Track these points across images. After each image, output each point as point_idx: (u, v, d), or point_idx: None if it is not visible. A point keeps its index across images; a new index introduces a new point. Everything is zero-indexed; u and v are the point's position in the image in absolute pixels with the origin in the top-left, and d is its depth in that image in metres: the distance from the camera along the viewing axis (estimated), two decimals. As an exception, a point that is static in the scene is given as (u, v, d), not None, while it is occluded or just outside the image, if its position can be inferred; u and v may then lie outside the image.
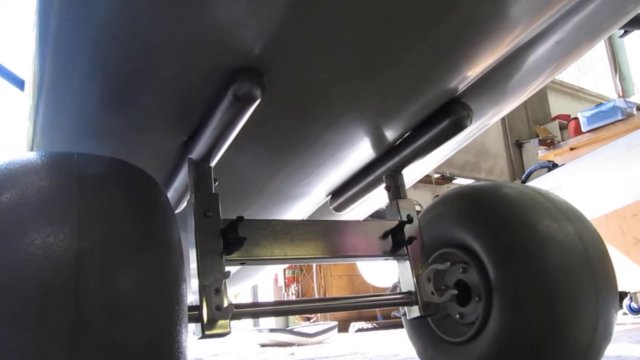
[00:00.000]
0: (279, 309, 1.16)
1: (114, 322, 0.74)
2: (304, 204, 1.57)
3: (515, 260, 1.19)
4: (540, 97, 8.73)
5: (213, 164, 1.15)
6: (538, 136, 5.39)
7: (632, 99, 6.50)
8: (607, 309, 1.18)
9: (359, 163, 1.41)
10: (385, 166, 1.37)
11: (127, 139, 1.18)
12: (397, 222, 1.30)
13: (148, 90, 1.04)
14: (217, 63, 0.95)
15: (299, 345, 3.62)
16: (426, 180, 6.52)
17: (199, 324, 1.02)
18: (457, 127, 1.18)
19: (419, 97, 1.14)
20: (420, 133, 1.25)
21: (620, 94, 9.13)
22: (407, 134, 1.29)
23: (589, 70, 9.86)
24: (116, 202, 0.84)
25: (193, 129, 1.13)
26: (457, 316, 1.31)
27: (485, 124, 1.39)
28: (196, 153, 1.13)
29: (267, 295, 5.70)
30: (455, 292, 1.24)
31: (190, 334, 1.11)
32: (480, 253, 1.25)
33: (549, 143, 4.33)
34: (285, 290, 5.72)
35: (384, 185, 1.41)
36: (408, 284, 1.28)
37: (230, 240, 1.08)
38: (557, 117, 7.85)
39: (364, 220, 1.37)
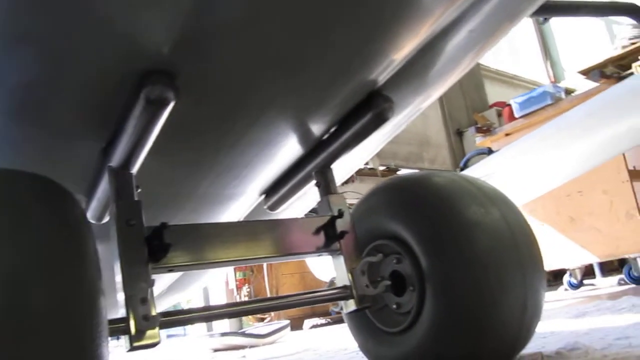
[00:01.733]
0: (208, 314, 1.14)
1: (23, 341, 0.70)
2: (237, 206, 1.55)
3: (444, 248, 1.21)
4: (477, 86, 8.96)
5: (134, 170, 1.11)
6: (477, 124, 5.53)
7: (562, 83, 6.76)
8: (534, 290, 1.22)
9: (288, 160, 1.40)
10: (314, 162, 1.37)
11: (41, 150, 1.13)
12: (329, 217, 1.30)
13: (58, 98, 1.00)
14: (125, 67, 0.92)
15: (251, 347, 3.59)
16: (371, 173, 6.59)
17: (127, 336, 0.99)
18: (379, 120, 1.19)
19: (338, 92, 1.14)
20: (345, 127, 1.26)
21: (552, 79, 9.50)
22: (332, 129, 1.29)
23: (522, 58, 10.20)
24: (21, 215, 0.80)
25: (110, 136, 1.09)
26: (394, 306, 1.32)
27: (411, 115, 1.41)
28: (115, 160, 1.09)
29: (219, 298, 5.63)
30: (389, 282, 1.25)
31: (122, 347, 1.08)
32: (412, 243, 1.27)
33: (485, 130, 4.44)
34: (238, 293, 5.66)
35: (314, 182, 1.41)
36: (343, 278, 1.29)
37: (156, 248, 1.05)
38: (494, 104, 8.06)
39: (295, 218, 1.36)
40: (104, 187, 1.17)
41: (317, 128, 1.27)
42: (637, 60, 5.76)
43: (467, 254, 1.19)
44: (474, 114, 7.75)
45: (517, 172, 3.15)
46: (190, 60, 0.94)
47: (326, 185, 1.36)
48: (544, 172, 3.11)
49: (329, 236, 1.28)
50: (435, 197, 1.29)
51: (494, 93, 9.02)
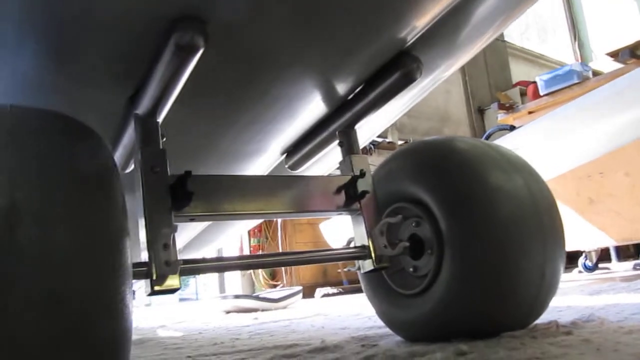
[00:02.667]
0: (224, 264, 1.16)
1: (53, 274, 0.72)
2: (259, 162, 1.56)
3: (465, 211, 1.21)
4: (502, 64, 8.82)
5: (160, 119, 1.12)
6: (499, 102, 5.46)
7: (590, 65, 6.61)
8: (554, 259, 1.21)
9: (312, 119, 1.40)
10: (338, 122, 1.36)
11: (70, 95, 1.13)
12: (350, 176, 1.30)
13: (87, 43, 1.00)
14: (156, 12, 0.92)
15: (263, 310, 3.65)
16: (390, 147, 6.56)
17: (148, 280, 1.01)
18: (407, 80, 1.18)
19: (366, 50, 1.13)
20: (372, 87, 1.25)
21: (579, 60, 9.30)
22: (358, 89, 1.29)
23: (549, 37, 9.99)
24: (53, 154, 0.81)
25: (138, 84, 1.09)
26: (411, 269, 1.32)
27: (437, 78, 1.39)
28: (142, 108, 1.10)
29: (232, 263, 5.71)
30: (407, 244, 1.25)
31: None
32: (432, 206, 1.26)
33: (508, 107, 4.39)
34: (251, 259, 5.74)
35: (337, 141, 1.41)
36: (361, 238, 1.29)
37: (179, 195, 1.07)
38: (518, 83, 7.94)
39: (316, 175, 1.36)
40: (129, 135, 1.18)
41: (343, 86, 1.26)
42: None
43: (488, 219, 1.18)
44: (497, 93, 7.64)
45: (541, 148, 3.11)
46: (221, 8, 0.93)
47: (349, 146, 1.36)
48: (567, 150, 3.07)
49: (350, 195, 1.28)
50: (458, 161, 1.28)
51: (518, 72, 8.87)
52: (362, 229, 1.29)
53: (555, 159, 3.10)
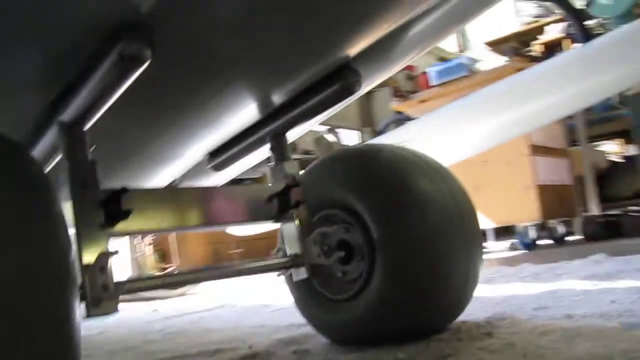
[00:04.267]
0: (170, 280, 1.11)
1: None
2: (179, 163, 1.49)
3: (396, 219, 1.25)
4: (390, 48, 9.11)
5: (87, 127, 1.03)
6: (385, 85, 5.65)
7: (468, 53, 7.02)
8: (476, 262, 1.30)
9: (243, 123, 1.36)
10: (270, 127, 1.34)
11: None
12: (284, 185, 1.29)
13: (8, 43, 0.89)
14: (100, 17, 0.83)
15: (161, 299, 3.54)
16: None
17: (84, 303, 0.94)
18: (346, 93, 1.19)
19: (310, 63, 1.12)
20: (308, 96, 1.24)
21: (461, 48, 9.86)
22: (293, 96, 1.27)
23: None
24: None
25: (62, 89, 0.99)
26: (340, 274, 1.35)
27: (367, 87, 1.42)
28: (67, 115, 1.00)
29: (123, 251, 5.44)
30: (342, 254, 1.28)
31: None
32: (363, 213, 1.29)
33: (401, 95, 4.57)
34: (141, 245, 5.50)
35: (266, 146, 1.39)
36: (294, 246, 1.29)
37: (113, 213, 0.99)
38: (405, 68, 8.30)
39: (251, 184, 1.33)
40: (48, 142, 1.08)
41: (280, 94, 1.24)
42: (536, 39, 6.17)
43: (418, 226, 1.24)
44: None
45: (436, 139, 3.28)
46: (170, 14, 0.87)
47: (281, 152, 1.34)
48: (460, 142, 3.28)
49: (283, 204, 1.28)
50: (388, 170, 1.32)
51: (405, 57, 9.23)
52: (295, 238, 1.29)
53: (447, 151, 3.30)
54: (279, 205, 1.28)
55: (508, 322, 1.34)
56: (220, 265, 1.27)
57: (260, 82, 1.17)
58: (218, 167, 1.53)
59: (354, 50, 1.13)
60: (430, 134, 3.32)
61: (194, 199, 1.15)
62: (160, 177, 1.54)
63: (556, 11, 6.31)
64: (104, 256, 0.95)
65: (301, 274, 1.28)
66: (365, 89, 1.35)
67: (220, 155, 1.50)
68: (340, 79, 1.17)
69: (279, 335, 1.57)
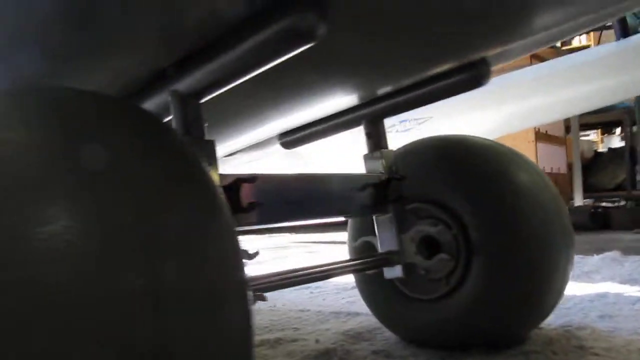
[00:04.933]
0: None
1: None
2: (254, 135, 1.36)
3: (500, 221, 1.17)
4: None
5: (203, 100, 0.90)
6: None
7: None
8: (571, 264, 1.24)
9: (337, 105, 1.24)
10: (367, 110, 1.23)
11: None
12: (385, 177, 1.19)
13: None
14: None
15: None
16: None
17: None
18: (474, 83, 1.08)
19: (445, 59, 1.02)
20: (425, 83, 1.13)
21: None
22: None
23: None
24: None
25: (182, 55, 0.85)
26: (422, 272, 1.27)
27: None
28: (184, 85, 0.87)
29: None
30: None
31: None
32: (462, 212, 1.20)
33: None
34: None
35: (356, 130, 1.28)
36: (389, 243, 1.20)
37: (236, 204, 0.87)
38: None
39: (355, 173, 1.21)
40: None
41: (389, 80, 1.13)
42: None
43: (523, 229, 1.16)
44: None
45: (452, 120, 3.21)
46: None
47: (378, 138, 1.23)
48: (475, 126, 3.22)
49: (381, 197, 1.18)
50: (489, 165, 1.23)
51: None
52: (391, 233, 1.19)
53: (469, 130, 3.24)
54: (376, 198, 1.17)
55: (589, 332, 1.30)
56: (312, 266, 1.17)
57: (378, 71, 1.06)
58: (288, 145, 1.41)
59: (489, 52, 1.02)
60: (448, 113, 3.25)
61: (315, 188, 1.04)
62: (227, 147, 1.41)
63: None
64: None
65: (394, 272, 1.19)
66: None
67: (294, 133, 1.38)
68: (469, 69, 1.06)
69: (343, 327, 1.49)
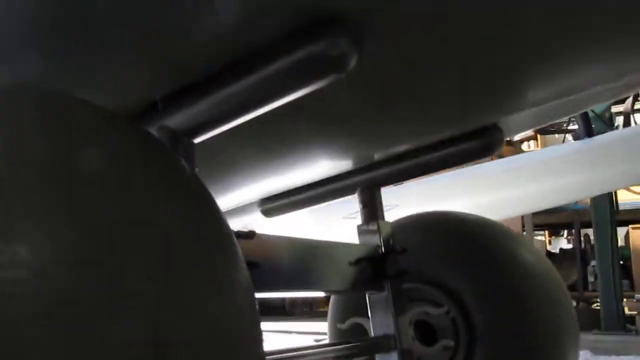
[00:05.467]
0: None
1: None
2: (233, 197, 1.23)
3: (506, 304, 1.07)
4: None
5: (198, 140, 0.77)
6: None
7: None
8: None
9: (328, 170, 1.14)
10: (362, 177, 1.12)
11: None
12: (383, 250, 1.06)
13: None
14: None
15: None
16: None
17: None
18: (486, 151, 1.00)
19: (460, 122, 0.94)
20: (433, 149, 1.04)
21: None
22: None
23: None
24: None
25: (174, 87, 0.74)
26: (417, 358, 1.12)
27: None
28: (175, 121, 0.74)
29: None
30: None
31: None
32: (466, 296, 1.09)
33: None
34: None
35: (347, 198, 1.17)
36: (385, 326, 1.05)
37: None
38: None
39: (349, 243, 1.09)
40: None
41: (390, 142, 1.04)
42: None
43: (530, 313, 1.06)
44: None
45: (418, 209, 3.16)
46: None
47: (374, 208, 1.12)
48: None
49: (378, 272, 1.05)
50: (489, 243, 1.14)
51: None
52: (387, 315, 1.05)
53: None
54: (371, 272, 1.04)
55: None
56: (298, 347, 1.01)
57: (378, 129, 0.97)
58: (270, 212, 1.28)
59: (504, 112, 0.96)
60: (415, 201, 3.20)
61: (309, 254, 0.90)
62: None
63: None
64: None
65: (390, 358, 1.04)
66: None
67: (278, 199, 1.25)
68: (481, 136, 0.99)
69: None
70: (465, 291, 1.08)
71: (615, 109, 3.71)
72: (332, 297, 1.24)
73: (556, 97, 0.91)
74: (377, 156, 1.08)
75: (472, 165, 3.31)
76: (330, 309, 1.24)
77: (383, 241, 1.08)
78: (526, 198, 3.00)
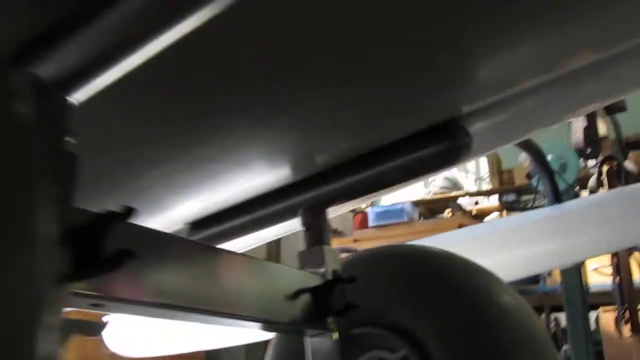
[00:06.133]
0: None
1: None
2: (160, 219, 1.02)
3: (477, 353, 0.86)
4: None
5: (78, 99, 0.59)
6: None
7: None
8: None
9: (263, 187, 0.95)
10: (307, 195, 0.94)
11: None
12: (326, 278, 0.86)
13: None
14: None
15: None
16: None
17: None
18: (450, 157, 0.84)
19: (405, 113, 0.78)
20: (386, 156, 0.87)
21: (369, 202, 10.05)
22: (357, 156, 0.90)
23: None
24: None
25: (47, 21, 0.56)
26: None
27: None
28: (47, 69, 0.56)
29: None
30: None
31: None
32: (425, 338, 0.88)
33: (335, 232, 4.30)
34: None
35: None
36: (327, 373, 0.83)
37: (91, 253, 0.52)
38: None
39: (274, 264, 0.88)
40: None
41: (335, 151, 0.87)
42: (447, 207, 6.32)
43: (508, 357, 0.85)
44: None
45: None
46: None
47: (319, 231, 0.93)
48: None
49: (322, 307, 0.84)
50: (457, 280, 0.95)
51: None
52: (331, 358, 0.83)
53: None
54: (315, 307, 0.83)
55: None
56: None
57: (314, 132, 0.80)
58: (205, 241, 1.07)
59: (466, 105, 0.81)
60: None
61: (206, 262, 0.69)
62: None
63: (464, 186, 6.63)
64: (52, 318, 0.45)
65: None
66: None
67: (207, 227, 1.05)
68: (444, 138, 0.83)
69: None
70: (426, 333, 0.88)
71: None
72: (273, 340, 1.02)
73: (507, 84, 0.77)
74: (319, 167, 0.90)
75: (433, 235, 3.16)
76: (267, 357, 1.02)
77: (327, 268, 0.88)
78: (492, 269, 2.83)
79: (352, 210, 6.43)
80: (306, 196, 0.94)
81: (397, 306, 0.92)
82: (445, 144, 0.82)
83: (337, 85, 0.70)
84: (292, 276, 0.85)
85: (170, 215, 1.02)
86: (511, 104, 0.86)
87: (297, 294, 0.83)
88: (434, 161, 0.83)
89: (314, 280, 0.85)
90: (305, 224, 0.92)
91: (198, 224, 1.05)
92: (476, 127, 0.86)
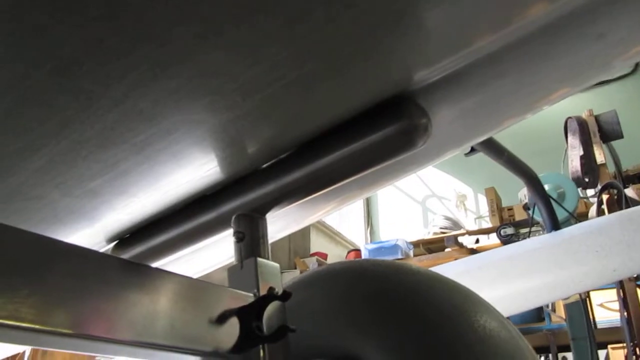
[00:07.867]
0: None
1: None
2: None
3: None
4: (304, 233, 8.88)
5: None
6: (296, 267, 5.39)
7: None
8: None
9: (187, 192, 0.80)
10: (241, 200, 0.79)
11: None
12: (257, 296, 0.70)
13: None
14: None
15: None
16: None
17: None
18: (404, 141, 0.69)
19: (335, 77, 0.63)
20: (331, 142, 0.72)
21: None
22: (300, 146, 0.75)
23: (346, 219, 10.54)
24: None
25: None
26: None
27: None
28: None
29: None
30: None
31: None
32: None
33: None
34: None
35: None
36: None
37: None
38: (316, 253, 8.01)
39: (189, 277, 0.72)
40: None
41: (270, 140, 0.72)
42: (447, 247, 6.15)
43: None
44: (295, 258, 7.60)
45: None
46: None
47: (254, 241, 0.77)
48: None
49: (251, 331, 0.67)
50: (428, 302, 0.78)
51: (317, 243, 8.98)
52: (263, 399, 0.66)
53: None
54: (243, 331, 0.66)
55: None
56: None
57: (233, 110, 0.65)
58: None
59: (417, 77, 0.66)
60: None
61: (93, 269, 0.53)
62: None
63: (465, 225, 6.51)
64: None
65: None
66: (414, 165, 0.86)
67: (133, 246, 0.89)
68: (394, 119, 0.68)
69: None
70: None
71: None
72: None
73: (460, 42, 0.62)
74: (251, 166, 0.75)
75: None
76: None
77: (260, 285, 0.72)
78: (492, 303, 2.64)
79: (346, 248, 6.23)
80: (238, 202, 0.78)
81: (352, 333, 0.75)
82: (398, 125, 0.67)
83: (256, 45, 0.55)
84: (219, 296, 0.69)
85: (92, 230, 0.87)
86: (475, 87, 0.72)
87: (222, 317, 0.67)
88: (388, 146, 0.68)
89: (244, 300, 0.69)
90: (236, 233, 0.77)
91: (122, 243, 0.89)
92: (438, 111, 0.72)
